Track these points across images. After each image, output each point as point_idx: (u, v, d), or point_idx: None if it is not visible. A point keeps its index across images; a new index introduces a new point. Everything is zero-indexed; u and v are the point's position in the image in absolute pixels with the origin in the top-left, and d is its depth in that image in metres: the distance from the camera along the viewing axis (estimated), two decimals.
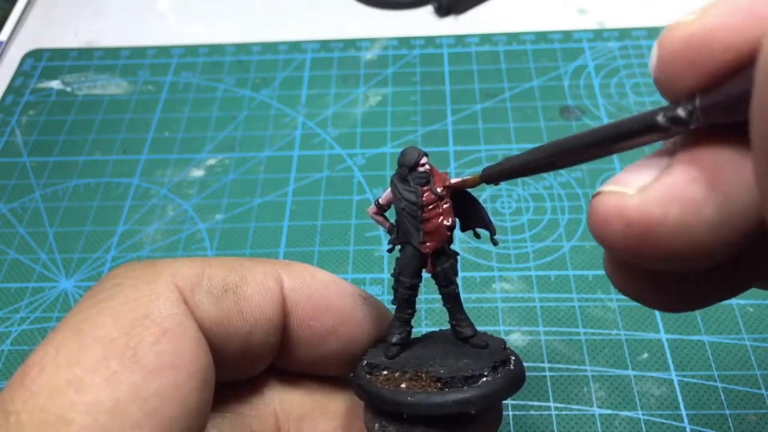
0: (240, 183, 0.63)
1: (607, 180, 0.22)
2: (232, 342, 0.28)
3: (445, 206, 0.30)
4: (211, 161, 0.65)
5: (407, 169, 0.30)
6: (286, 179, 0.63)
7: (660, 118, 0.20)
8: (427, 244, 0.30)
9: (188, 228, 0.60)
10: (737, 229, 0.19)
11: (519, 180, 0.60)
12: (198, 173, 0.64)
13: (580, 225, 0.57)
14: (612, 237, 0.21)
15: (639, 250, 0.20)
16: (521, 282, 0.54)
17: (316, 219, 0.59)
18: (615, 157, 0.61)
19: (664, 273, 0.22)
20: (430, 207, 0.30)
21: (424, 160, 0.30)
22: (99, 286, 0.26)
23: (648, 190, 0.20)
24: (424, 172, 0.30)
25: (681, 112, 0.20)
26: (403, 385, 0.29)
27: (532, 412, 0.47)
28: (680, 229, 0.19)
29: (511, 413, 0.46)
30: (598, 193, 0.21)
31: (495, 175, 0.28)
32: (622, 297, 0.51)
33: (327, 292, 0.31)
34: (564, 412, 0.46)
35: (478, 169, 0.61)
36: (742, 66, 0.18)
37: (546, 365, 0.49)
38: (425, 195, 0.30)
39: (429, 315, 0.52)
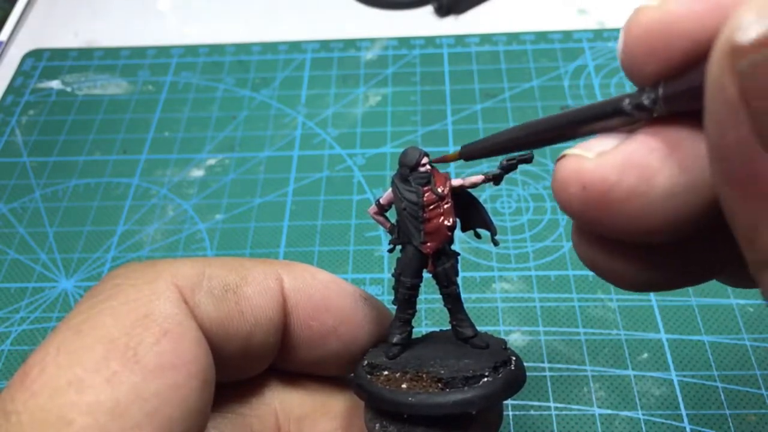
0: (240, 183, 0.63)
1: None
2: (232, 342, 0.28)
3: (446, 206, 0.30)
4: (211, 161, 0.65)
5: (408, 169, 0.30)
6: (286, 179, 0.63)
7: (626, 104, 0.21)
8: (428, 244, 0.30)
9: (188, 228, 0.60)
10: (690, 203, 0.19)
11: (519, 180, 0.60)
12: (198, 173, 0.64)
13: None
14: (570, 200, 0.21)
15: (595, 215, 0.21)
16: (521, 282, 0.54)
17: (316, 219, 0.59)
18: None
19: (624, 246, 0.22)
20: (431, 207, 0.30)
21: (425, 160, 0.30)
22: (99, 287, 0.26)
23: (606, 155, 0.20)
24: (425, 172, 0.30)
25: (645, 99, 0.20)
26: (404, 386, 0.29)
27: (532, 412, 0.47)
28: (635, 195, 0.20)
29: (511, 413, 0.46)
30: (562, 156, 0.22)
31: (474, 152, 0.28)
32: (622, 297, 0.52)
33: (327, 292, 0.31)
34: (564, 412, 0.46)
35: (477, 170, 0.61)
36: (703, 55, 0.18)
37: (546, 365, 0.49)
38: (426, 195, 0.30)
39: (429, 315, 0.52)
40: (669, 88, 0.19)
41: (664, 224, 0.20)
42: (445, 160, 0.30)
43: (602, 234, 0.22)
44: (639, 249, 0.22)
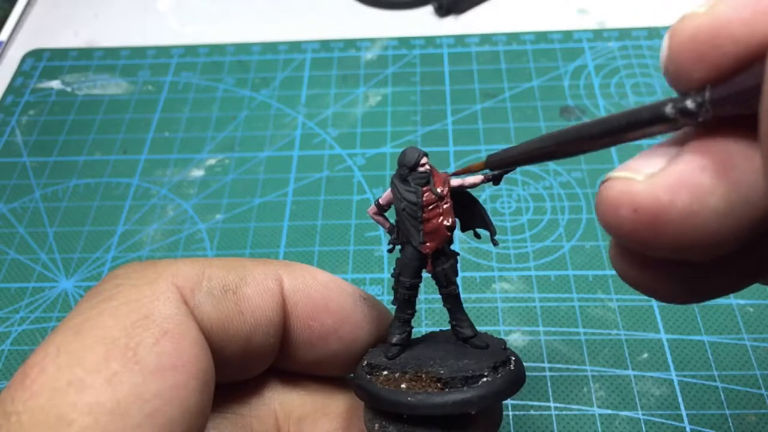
0: (240, 183, 0.63)
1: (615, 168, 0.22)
2: (232, 343, 0.28)
3: (445, 206, 0.30)
4: (211, 161, 0.65)
5: (407, 169, 0.30)
6: (286, 179, 0.63)
7: (668, 109, 0.20)
8: (427, 244, 0.30)
9: (188, 228, 0.60)
10: (745, 219, 0.19)
11: (519, 180, 0.60)
12: (198, 173, 0.64)
13: (580, 225, 0.57)
14: (620, 223, 0.21)
15: (647, 237, 0.20)
16: (521, 282, 0.54)
17: (316, 219, 0.59)
18: (614, 155, 0.61)
19: (669, 262, 0.22)
20: (431, 207, 0.30)
21: (424, 160, 0.30)
22: (99, 287, 0.26)
23: (657, 176, 0.20)
24: (425, 172, 0.30)
25: (690, 103, 0.20)
26: (403, 386, 0.29)
27: (532, 412, 0.47)
28: (688, 216, 0.19)
29: (511, 413, 0.46)
30: (607, 179, 0.21)
31: (501, 161, 0.28)
32: (622, 297, 0.52)
33: (327, 292, 0.31)
34: (564, 412, 0.46)
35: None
36: (752, 59, 0.18)
37: (546, 365, 0.49)
38: (425, 195, 0.30)
39: (429, 315, 0.52)
40: (717, 91, 0.19)
41: (718, 241, 0.20)
42: (470, 170, 0.30)
43: (650, 254, 0.21)
44: (684, 264, 0.22)
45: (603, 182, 0.22)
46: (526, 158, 0.27)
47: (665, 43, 0.20)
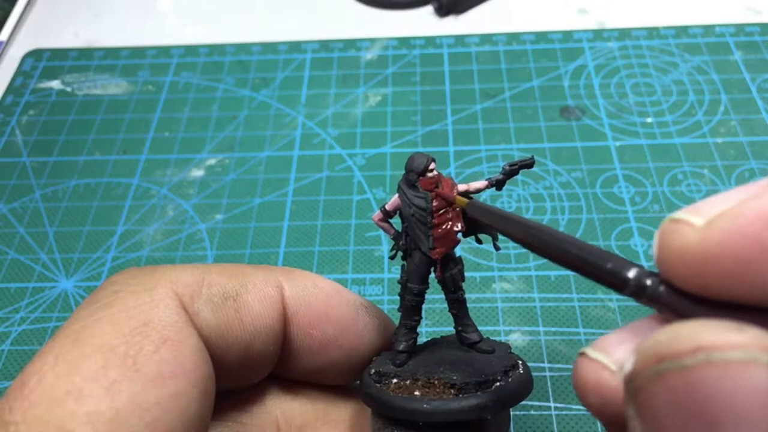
0: (240, 183, 0.63)
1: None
2: (232, 350, 0.28)
3: (454, 211, 0.30)
4: (211, 161, 0.65)
5: (416, 175, 0.30)
6: (286, 179, 0.63)
7: (632, 281, 0.20)
8: (437, 249, 0.30)
9: (188, 228, 0.60)
10: None
11: (519, 180, 0.60)
12: (198, 173, 0.64)
13: (580, 225, 0.57)
14: (589, 405, 0.21)
15: (614, 424, 0.20)
16: (521, 282, 0.54)
17: (316, 219, 0.59)
18: (616, 158, 0.61)
19: None
20: (440, 212, 0.30)
21: (432, 166, 0.30)
22: (98, 294, 0.25)
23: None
24: (432, 177, 0.30)
25: (649, 282, 0.20)
26: (416, 393, 0.29)
27: (532, 412, 0.47)
28: None
29: (511, 413, 0.46)
30: (583, 354, 0.21)
31: (476, 212, 0.28)
32: (622, 297, 0.52)
33: (328, 301, 0.31)
34: (564, 412, 0.46)
35: (478, 169, 0.61)
36: (742, 293, 0.17)
37: (546, 365, 0.49)
38: (435, 200, 0.30)
39: (429, 315, 0.52)
40: (669, 297, 0.19)
41: None
42: (452, 198, 0.30)
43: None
44: None
45: (580, 354, 0.22)
46: (498, 230, 0.27)
47: (655, 243, 0.20)
